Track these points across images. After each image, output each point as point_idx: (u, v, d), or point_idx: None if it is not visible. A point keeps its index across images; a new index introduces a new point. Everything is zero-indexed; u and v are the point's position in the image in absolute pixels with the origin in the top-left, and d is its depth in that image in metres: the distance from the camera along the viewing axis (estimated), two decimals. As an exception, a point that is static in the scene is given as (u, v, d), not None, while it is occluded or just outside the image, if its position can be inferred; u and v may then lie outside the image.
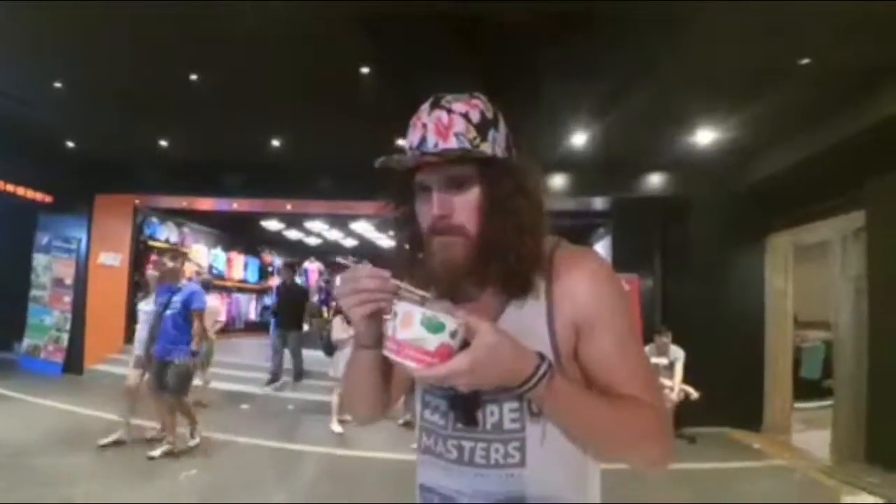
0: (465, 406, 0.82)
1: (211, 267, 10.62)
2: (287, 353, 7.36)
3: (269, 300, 11.40)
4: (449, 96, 0.84)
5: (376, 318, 0.79)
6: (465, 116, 0.80)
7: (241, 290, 12.04)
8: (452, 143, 0.79)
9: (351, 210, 9.36)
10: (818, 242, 5.71)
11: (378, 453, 4.95)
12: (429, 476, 0.87)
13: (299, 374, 7.35)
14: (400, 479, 4.35)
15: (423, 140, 0.81)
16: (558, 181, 6.65)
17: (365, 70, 4.58)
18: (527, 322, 0.80)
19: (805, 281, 6.16)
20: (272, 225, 11.94)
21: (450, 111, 0.81)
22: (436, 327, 0.69)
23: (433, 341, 0.69)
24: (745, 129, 5.20)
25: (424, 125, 0.82)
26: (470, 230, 0.81)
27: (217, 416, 5.77)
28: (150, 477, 3.88)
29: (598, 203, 7.26)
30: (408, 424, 5.92)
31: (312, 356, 8.06)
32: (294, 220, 11.51)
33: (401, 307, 0.72)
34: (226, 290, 11.18)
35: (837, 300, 5.24)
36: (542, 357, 0.73)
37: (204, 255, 10.71)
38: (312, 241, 13.73)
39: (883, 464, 4.24)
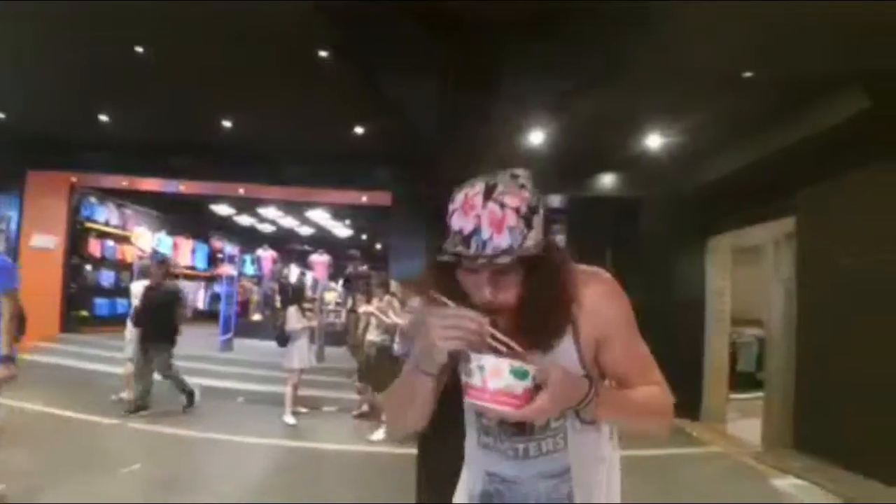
0: (514, 424, 1.03)
1: (155, 252, 10.11)
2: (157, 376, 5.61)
3: (218, 288, 10.95)
4: (500, 185, 0.91)
5: (453, 354, 0.92)
6: (517, 211, 0.89)
7: (188, 277, 11.53)
8: (505, 238, 0.88)
9: (307, 197, 9.16)
10: (754, 245, 6.06)
11: (333, 445, 4.91)
12: (492, 465, 1.10)
13: (190, 394, 5.76)
14: (355, 470, 4.35)
15: (476, 230, 0.89)
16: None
17: (323, 53, 4.46)
18: (560, 349, 0.99)
19: (741, 281, 6.55)
20: (222, 210, 11.49)
21: (503, 205, 0.89)
22: (522, 375, 0.84)
23: (520, 387, 0.84)
24: (691, 134, 5.43)
25: (479, 217, 0.89)
26: (512, 304, 0.95)
27: (164, 407, 5.55)
28: (92, 471, 3.70)
29: (555, 201, 7.42)
30: (362, 416, 5.91)
31: (264, 347, 7.90)
32: (246, 206, 11.12)
33: (486, 360, 0.86)
34: (172, 277, 10.66)
35: (769, 300, 5.61)
36: (590, 380, 0.93)
37: (147, 238, 10.18)
38: (266, 227, 13.31)
39: (808, 450, 4.60)
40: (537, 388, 0.85)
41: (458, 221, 0.91)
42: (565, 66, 4.23)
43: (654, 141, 5.72)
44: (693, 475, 4.42)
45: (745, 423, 5.60)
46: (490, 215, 0.88)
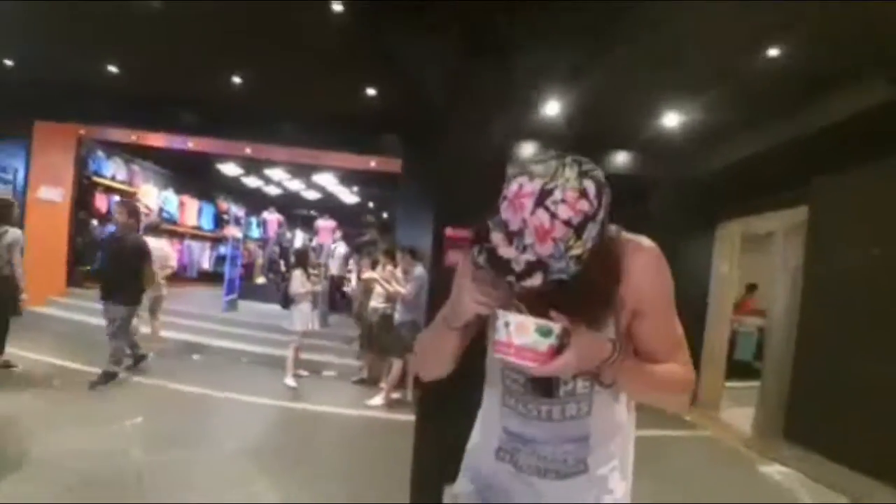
0: (543, 384, 1.02)
1: (161, 210, 10.12)
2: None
3: (224, 249, 11.00)
4: (558, 190, 0.84)
5: (480, 315, 0.95)
6: (568, 223, 0.83)
7: (194, 237, 11.57)
8: (548, 249, 0.83)
9: (314, 160, 9.05)
10: (763, 233, 5.99)
11: (331, 408, 5.01)
12: (513, 425, 1.09)
13: (141, 357, 5.40)
14: (352, 434, 4.46)
15: (521, 232, 0.84)
16: (528, 151, 6.64)
17: (338, 8, 4.32)
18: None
19: (748, 269, 6.50)
20: (230, 169, 11.41)
21: (553, 216, 0.83)
22: (546, 332, 0.87)
23: (544, 344, 0.87)
24: (707, 115, 5.30)
25: (525, 220, 0.83)
26: (550, 296, 0.91)
27: (168, 365, 5.65)
28: (95, 422, 3.79)
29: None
30: (362, 382, 6.01)
31: (267, 309, 7.99)
32: (253, 167, 11.04)
33: (512, 318, 0.88)
34: (177, 236, 10.72)
35: (775, 289, 5.58)
36: (614, 344, 0.93)
37: (154, 196, 10.17)
38: (272, 190, 13.26)
39: (798, 440, 4.65)
40: (561, 347, 0.87)
41: (506, 213, 0.86)
42: (581, 34, 4.08)
43: (670, 120, 5.60)
44: (682, 457, 4.50)
45: (739, 412, 5.66)
46: (538, 224, 0.83)
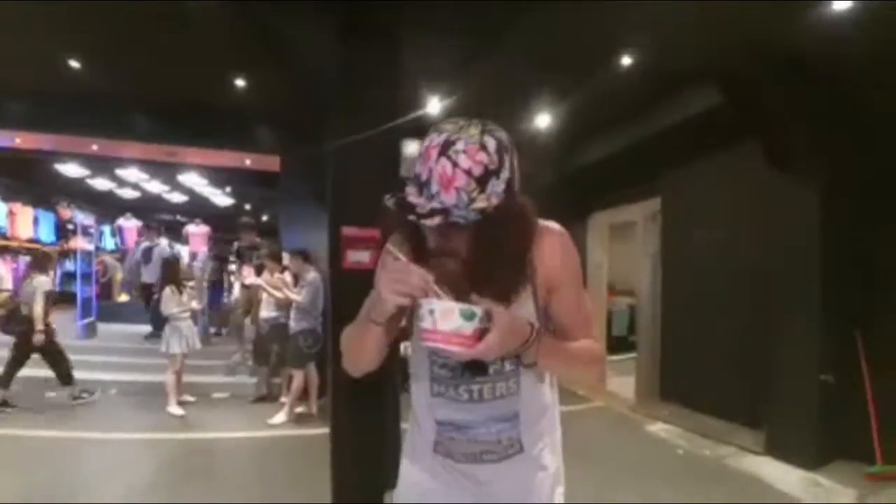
0: (477, 363, 1.03)
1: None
2: None
3: (70, 265, 9.44)
4: (460, 141, 0.91)
5: (400, 307, 0.96)
6: (468, 172, 0.90)
7: (31, 252, 9.76)
8: (451, 197, 0.90)
9: (176, 158, 8.08)
10: (627, 222, 6.69)
11: (229, 433, 4.57)
12: (444, 413, 1.11)
13: None
14: (259, 457, 4.10)
15: (428, 181, 0.92)
16: (411, 148, 6.59)
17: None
18: (518, 297, 1.03)
19: (617, 255, 7.23)
20: (72, 170, 9.77)
21: (455, 164, 0.90)
22: (470, 316, 0.88)
23: (469, 328, 0.88)
24: (574, 116, 5.67)
25: (431, 169, 0.91)
26: (462, 254, 0.98)
27: (20, 410, 4.83)
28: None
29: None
30: (261, 399, 5.56)
31: (135, 331, 7.07)
32: (102, 166, 9.56)
33: (436, 304, 0.89)
34: (10, 252, 8.98)
35: (639, 271, 6.26)
36: (532, 325, 0.98)
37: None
38: (127, 193, 11.65)
39: (674, 400, 5.31)
40: (485, 330, 0.89)
41: (418, 166, 0.93)
42: (467, 22, 4.09)
43: (542, 121, 5.91)
44: (580, 428, 4.86)
45: (621, 381, 6.29)
46: (441, 171, 0.89)
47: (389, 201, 0.93)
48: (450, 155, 0.89)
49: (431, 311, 0.89)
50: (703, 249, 5.11)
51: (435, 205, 0.90)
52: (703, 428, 4.65)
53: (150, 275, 7.67)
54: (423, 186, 0.92)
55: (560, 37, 4.07)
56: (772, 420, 4.09)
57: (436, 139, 0.92)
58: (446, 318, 0.88)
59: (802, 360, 3.81)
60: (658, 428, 4.92)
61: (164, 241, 8.58)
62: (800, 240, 3.92)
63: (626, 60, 4.29)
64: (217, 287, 8.04)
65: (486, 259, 0.97)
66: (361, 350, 1.08)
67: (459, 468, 1.12)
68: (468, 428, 1.09)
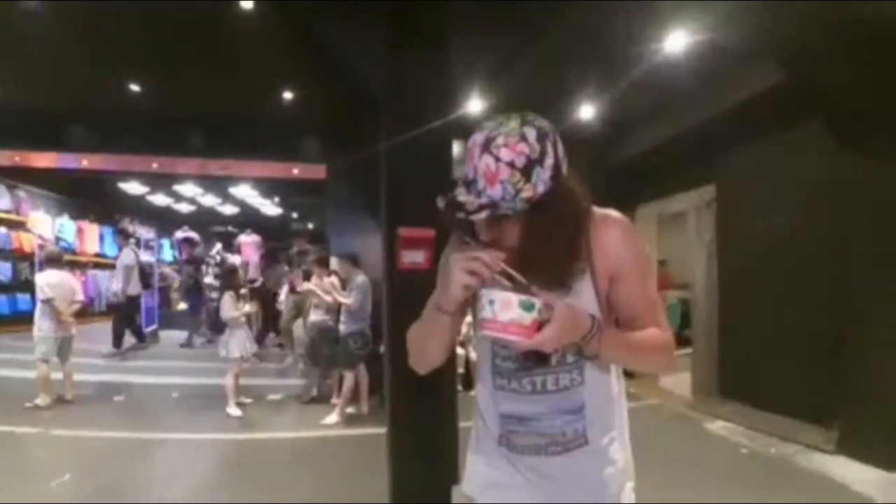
0: (538, 353, 1.02)
1: (58, 239, 9.04)
2: None
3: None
4: (501, 136, 0.92)
5: (468, 292, 0.97)
6: (511, 165, 0.91)
7: (98, 265, 10.44)
8: (498, 191, 0.91)
9: (229, 171, 8.46)
10: (678, 212, 6.46)
11: (285, 433, 4.72)
12: (507, 405, 1.12)
13: None
14: (314, 457, 4.20)
15: (475, 180, 0.93)
16: (455, 149, 6.62)
17: (247, 5, 4.02)
18: (577, 289, 1.03)
19: (668, 247, 6.98)
20: (133, 188, 10.41)
21: (497, 159, 0.91)
22: (529, 307, 0.90)
23: (528, 318, 0.90)
24: (619, 106, 5.53)
25: (475, 167, 0.93)
26: (514, 245, 0.99)
27: (89, 412, 5.06)
28: (12, 487, 3.27)
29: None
30: (313, 400, 5.71)
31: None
32: (160, 183, 10.14)
33: (497, 295, 0.91)
34: (79, 267, 9.62)
35: (693, 262, 6.02)
36: (593, 317, 0.97)
37: (47, 224, 9.06)
38: (184, 207, 12.28)
39: (733, 396, 5.07)
40: (544, 321, 0.91)
41: (465, 166, 0.96)
42: (510, 21, 4.08)
43: (586, 112, 5.80)
44: (636, 427, 4.71)
45: (674, 378, 6.04)
46: (485, 167, 0.91)
47: (441, 202, 0.96)
48: (492, 150, 0.91)
49: (492, 302, 0.91)
50: (763, 237, 4.86)
51: (483, 200, 0.92)
52: (766, 425, 4.40)
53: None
54: (470, 185, 0.94)
55: (610, 20, 3.97)
56: (847, 417, 3.83)
57: (478, 138, 0.94)
58: (505, 308, 0.90)
59: (882, 353, 3.53)
60: (718, 426, 4.71)
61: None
62: (880, 220, 3.61)
63: (680, 40, 4.15)
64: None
65: (538, 244, 0.97)
66: (429, 344, 1.10)
67: (524, 461, 1.11)
68: (532, 420, 1.09)
